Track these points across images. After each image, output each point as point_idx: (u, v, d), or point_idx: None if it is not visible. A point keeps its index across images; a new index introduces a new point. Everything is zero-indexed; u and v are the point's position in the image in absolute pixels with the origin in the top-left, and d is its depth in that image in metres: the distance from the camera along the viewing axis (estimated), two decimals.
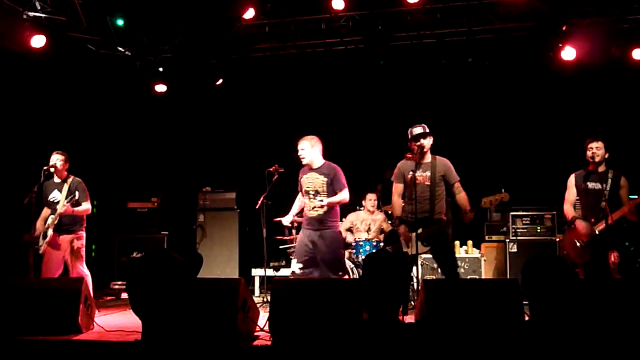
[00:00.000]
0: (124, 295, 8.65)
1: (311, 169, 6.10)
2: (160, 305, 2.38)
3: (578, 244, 5.67)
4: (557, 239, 7.73)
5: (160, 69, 9.02)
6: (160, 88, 9.02)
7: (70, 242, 6.51)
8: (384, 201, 8.40)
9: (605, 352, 4.03)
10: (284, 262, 8.75)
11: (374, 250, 7.22)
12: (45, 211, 6.58)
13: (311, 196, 6.03)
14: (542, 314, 4.29)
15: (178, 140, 10.15)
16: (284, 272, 8.47)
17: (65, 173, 6.64)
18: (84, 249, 6.62)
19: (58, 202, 6.46)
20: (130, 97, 9.62)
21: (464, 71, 8.78)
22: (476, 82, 9.08)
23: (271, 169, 6.79)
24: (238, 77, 9.28)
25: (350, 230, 8.09)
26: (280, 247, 8.12)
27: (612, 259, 5.48)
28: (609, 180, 5.66)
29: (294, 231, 7.70)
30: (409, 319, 4.94)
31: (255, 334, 4.92)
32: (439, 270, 7.55)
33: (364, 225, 8.00)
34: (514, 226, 7.98)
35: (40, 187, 6.40)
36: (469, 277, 7.86)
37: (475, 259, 8.05)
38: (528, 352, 4.08)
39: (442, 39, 8.44)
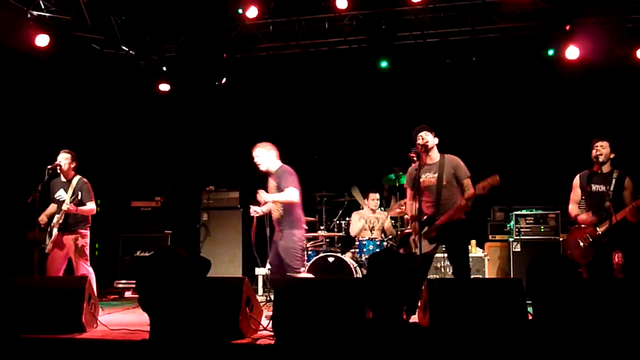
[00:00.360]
0: (128, 294, 8.69)
1: (270, 175, 6.03)
2: (170, 304, 2.38)
3: (582, 244, 5.66)
4: (561, 239, 7.71)
5: (164, 68, 9.04)
6: (164, 87, 9.04)
7: (75, 240, 6.52)
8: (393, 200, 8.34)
9: (609, 351, 4.02)
10: None
11: (377, 249, 7.22)
12: (52, 207, 6.60)
13: None
14: (546, 314, 4.28)
15: (182, 139, 10.16)
16: None
17: (72, 172, 6.64)
18: (88, 247, 6.63)
19: (64, 201, 6.47)
20: (134, 96, 9.65)
21: (467, 70, 8.77)
22: (480, 82, 9.06)
23: None
24: (242, 76, 9.29)
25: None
26: None
27: (616, 259, 5.47)
28: (613, 181, 5.63)
29: None
30: (413, 318, 4.96)
31: (259, 333, 4.92)
32: (442, 270, 7.56)
33: (368, 224, 8.00)
34: (517, 226, 7.97)
35: (45, 186, 6.41)
36: (472, 276, 7.85)
37: (479, 258, 8.04)
38: (532, 352, 4.07)
39: (446, 38, 8.44)
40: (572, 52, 7.77)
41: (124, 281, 8.80)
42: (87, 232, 6.65)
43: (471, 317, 4.36)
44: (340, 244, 8.03)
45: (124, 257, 8.91)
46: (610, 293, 4.38)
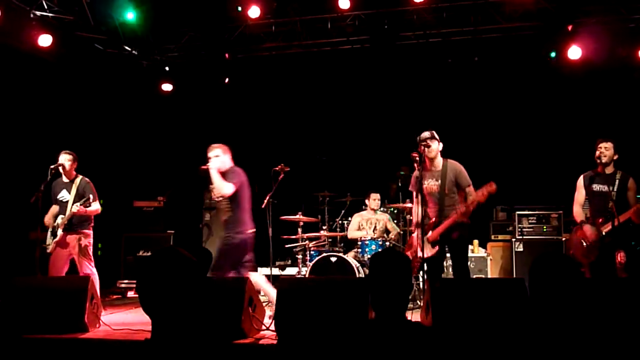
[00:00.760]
0: (130, 294, 8.70)
1: (224, 176, 5.91)
2: (171, 304, 2.39)
3: (584, 244, 5.65)
4: (563, 239, 7.71)
5: (167, 68, 9.05)
6: (167, 87, 9.05)
7: (78, 240, 6.50)
8: (403, 196, 8.31)
9: (611, 350, 4.02)
10: (289, 261, 8.75)
11: (379, 249, 7.22)
12: (54, 208, 6.60)
13: None
14: (549, 313, 4.28)
15: (184, 139, 10.16)
16: (290, 271, 8.47)
17: (74, 173, 6.64)
18: (91, 247, 6.62)
19: (67, 202, 6.46)
20: (137, 96, 9.65)
21: (470, 70, 8.77)
22: (482, 81, 9.06)
23: (277, 168, 6.78)
24: (244, 76, 9.30)
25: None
26: (287, 246, 8.13)
27: (619, 258, 5.46)
28: (617, 182, 5.61)
29: (299, 230, 7.71)
30: (415, 317, 4.95)
31: (261, 332, 4.93)
32: (444, 270, 7.55)
33: (369, 224, 8.00)
34: (520, 225, 7.96)
35: (48, 186, 6.40)
36: (475, 276, 7.85)
37: (482, 258, 8.04)
38: (534, 351, 4.07)
39: (449, 38, 8.44)
40: (575, 52, 7.79)
41: (126, 281, 8.82)
42: (91, 232, 6.64)
43: (474, 317, 4.35)
44: (342, 244, 8.03)
45: (126, 257, 8.92)
46: (613, 292, 4.37)
